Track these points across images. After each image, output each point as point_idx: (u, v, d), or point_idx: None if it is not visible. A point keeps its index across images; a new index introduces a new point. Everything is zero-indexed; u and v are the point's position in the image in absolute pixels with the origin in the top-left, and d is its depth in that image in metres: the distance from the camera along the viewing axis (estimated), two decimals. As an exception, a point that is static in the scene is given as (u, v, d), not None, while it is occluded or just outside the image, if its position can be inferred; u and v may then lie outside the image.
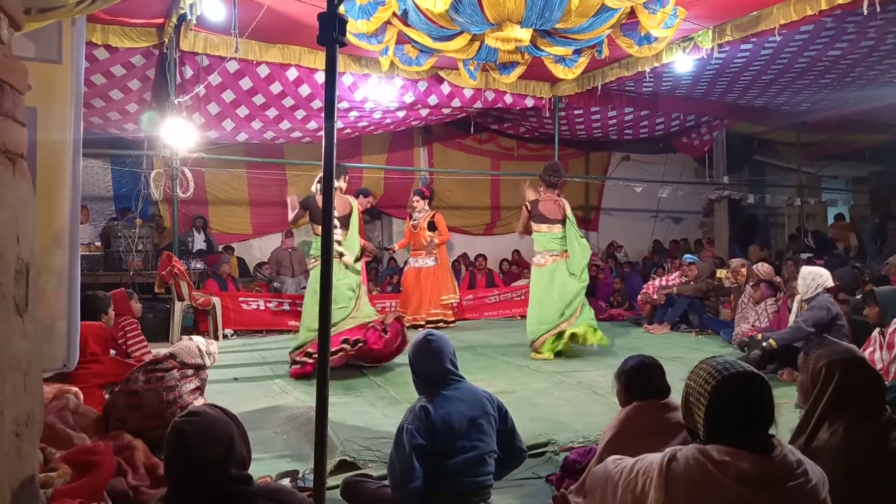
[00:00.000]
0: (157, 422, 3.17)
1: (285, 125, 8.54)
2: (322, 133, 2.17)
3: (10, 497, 1.53)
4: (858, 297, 6.02)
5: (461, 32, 5.75)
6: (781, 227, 14.35)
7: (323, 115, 2.12)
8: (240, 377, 5.53)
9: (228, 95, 7.89)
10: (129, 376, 3.43)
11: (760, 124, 11.76)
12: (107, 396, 3.64)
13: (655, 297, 8.28)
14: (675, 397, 2.24)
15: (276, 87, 7.89)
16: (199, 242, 9.54)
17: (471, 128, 10.89)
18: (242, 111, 8.11)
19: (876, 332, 4.67)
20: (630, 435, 2.46)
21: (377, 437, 3.68)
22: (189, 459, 1.67)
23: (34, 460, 1.74)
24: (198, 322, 7.76)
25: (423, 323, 7.71)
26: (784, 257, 10.61)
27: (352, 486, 2.78)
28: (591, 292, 9.68)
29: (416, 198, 8.22)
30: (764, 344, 5.25)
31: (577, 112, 10.22)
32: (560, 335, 6.19)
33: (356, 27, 5.49)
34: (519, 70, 7.15)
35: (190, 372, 3.54)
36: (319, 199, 5.13)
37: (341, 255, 5.43)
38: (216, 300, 7.56)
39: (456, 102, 9.03)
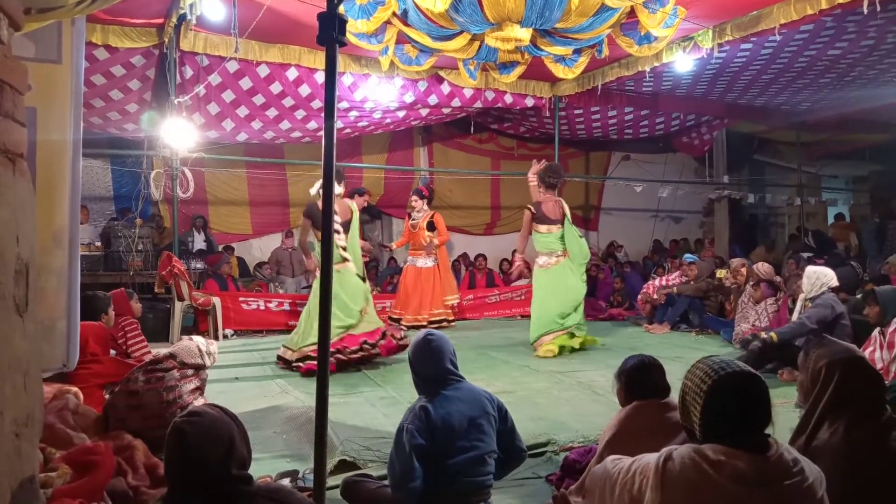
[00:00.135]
0: (158, 422, 3.17)
1: (285, 125, 8.55)
2: (322, 133, 2.17)
3: (10, 497, 1.53)
4: (858, 296, 6.02)
5: (461, 32, 5.75)
6: (782, 226, 14.34)
7: (323, 114, 2.12)
8: (240, 377, 5.53)
9: (228, 95, 7.90)
10: (129, 376, 3.43)
11: (760, 124, 11.75)
12: (107, 396, 3.65)
13: (655, 296, 8.27)
14: (676, 397, 2.23)
15: (276, 87, 7.89)
16: (199, 242, 9.54)
17: (471, 127, 10.89)
18: (242, 111, 8.11)
19: (876, 331, 4.67)
20: (630, 434, 2.46)
21: (377, 437, 3.68)
22: (189, 459, 1.67)
23: (34, 460, 1.74)
24: (198, 322, 7.76)
25: (425, 323, 7.70)
26: (784, 256, 10.60)
27: (352, 486, 2.78)
28: (592, 292, 9.69)
29: (415, 197, 8.21)
30: (765, 336, 5.27)
31: (577, 112, 10.21)
32: (568, 336, 6.36)
33: (356, 27, 5.49)
34: (519, 70, 7.15)
35: (190, 372, 3.55)
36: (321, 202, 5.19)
37: (345, 259, 5.59)
38: (216, 300, 7.56)
39: (456, 102, 9.03)
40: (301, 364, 5.51)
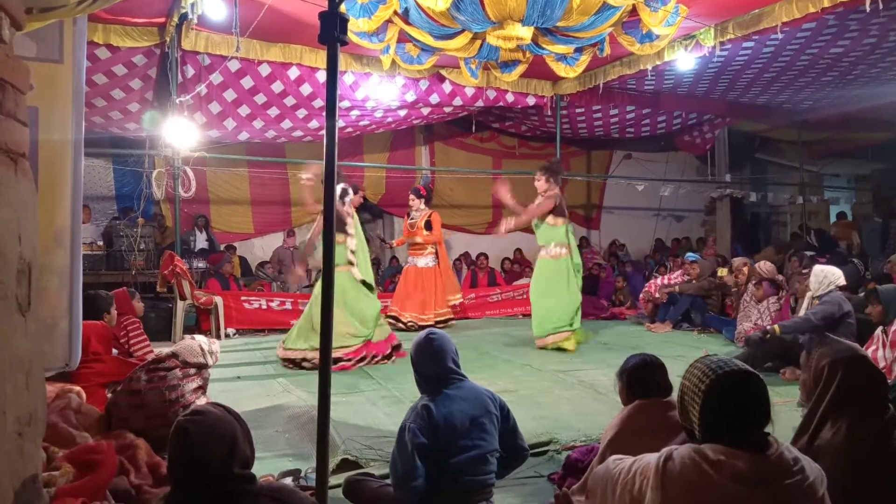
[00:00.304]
0: (160, 421, 3.18)
1: (287, 124, 8.55)
2: (323, 132, 2.17)
3: (13, 496, 1.54)
4: (861, 295, 6.02)
5: (462, 31, 5.75)
6: (784, 225, 14.33)
7: (324, 113, 2.11)
8: (242, 376, 5.54)
9: (230, 94, 7.90)
10: (132, 375, 3.44)
11: (762, 122, 11.73)
12: (109, 396, 3.66)
13: (657, 295, 8.27)
14: (677, 396, 2.24)
15: (277, 86, 7.90)
16: (200, 242, 9.56)
17: (472, 126, 10.88)
18: (244, 110, 8.11)
19: (879, 330, 4.67)
20: (632, 433, 2.45)
21: (379, 436, 3.68)
22: (192, 458, 1.67)
23: (37, 459, 1.74)
24: (200, 321, 7.77)
25: (430, 323, 7.70)
26: (786, 255, 10.58)
27: (354, 485, 2.78)
28: (593, 291, 9.71)
29: (412, 197, 8.18)
30: (767, 327, 5.27)
31: (578, 110, 10.21)
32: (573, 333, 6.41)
33: (357, 26, 5.49)
34: (520, 68, 7.15)
35: (192, 371, 3.55)
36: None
37: (351, 262, 5.72)
38: (218, 299, 7.57)
39: (457, 101, 9.03)
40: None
